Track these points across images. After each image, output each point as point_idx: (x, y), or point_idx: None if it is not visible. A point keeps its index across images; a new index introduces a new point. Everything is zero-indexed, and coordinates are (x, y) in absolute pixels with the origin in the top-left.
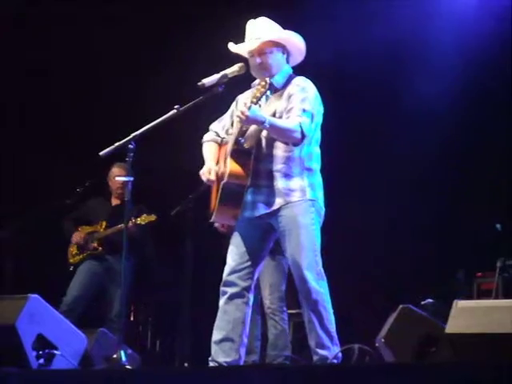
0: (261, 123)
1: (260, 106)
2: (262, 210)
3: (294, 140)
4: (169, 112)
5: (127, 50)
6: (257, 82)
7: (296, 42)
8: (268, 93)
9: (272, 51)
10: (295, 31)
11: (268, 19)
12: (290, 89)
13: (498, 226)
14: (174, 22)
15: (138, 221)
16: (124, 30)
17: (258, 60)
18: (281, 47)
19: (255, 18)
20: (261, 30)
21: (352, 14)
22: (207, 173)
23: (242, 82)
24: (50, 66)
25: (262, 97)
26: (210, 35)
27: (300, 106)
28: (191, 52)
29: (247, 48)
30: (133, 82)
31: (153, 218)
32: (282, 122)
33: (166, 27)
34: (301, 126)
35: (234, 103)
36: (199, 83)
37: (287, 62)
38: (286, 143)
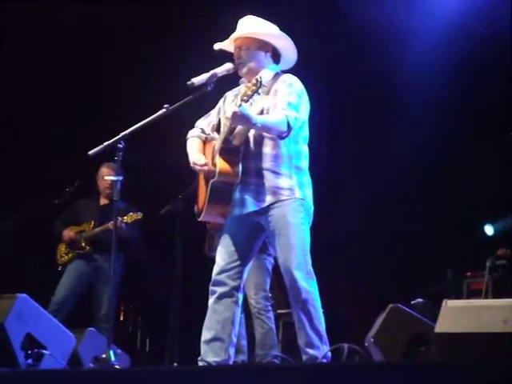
0: (252, 124)
1: (251, 104)
2: (251, 207)
3: (280, 133)
4: (158, 111)
5: (119, 50)
6: (244, 79)
7: (283, 42)
8: (259, 91)
9: (249, 47)
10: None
11: (257, 18)
12: (276, 85)
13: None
14: (165, 20)
15: (124, 219)
16: (118, 29)
17: (237, 55)
18: (263, 45)
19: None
20: (245, 26)
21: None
22: (198, 161)
23: (232, 81)
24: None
25: (253, 95)
26: (202, 33)
27: (285, 99)
28: (182, 50)
29: (226, 43)
30: (124, 82)
31: (139, 216)
32: (270, 119)
33: (157, 25)
34: (287, 119)
35: (221, 100)
36: (189, 82)
37: (276, 62)
38: (272, 137)
